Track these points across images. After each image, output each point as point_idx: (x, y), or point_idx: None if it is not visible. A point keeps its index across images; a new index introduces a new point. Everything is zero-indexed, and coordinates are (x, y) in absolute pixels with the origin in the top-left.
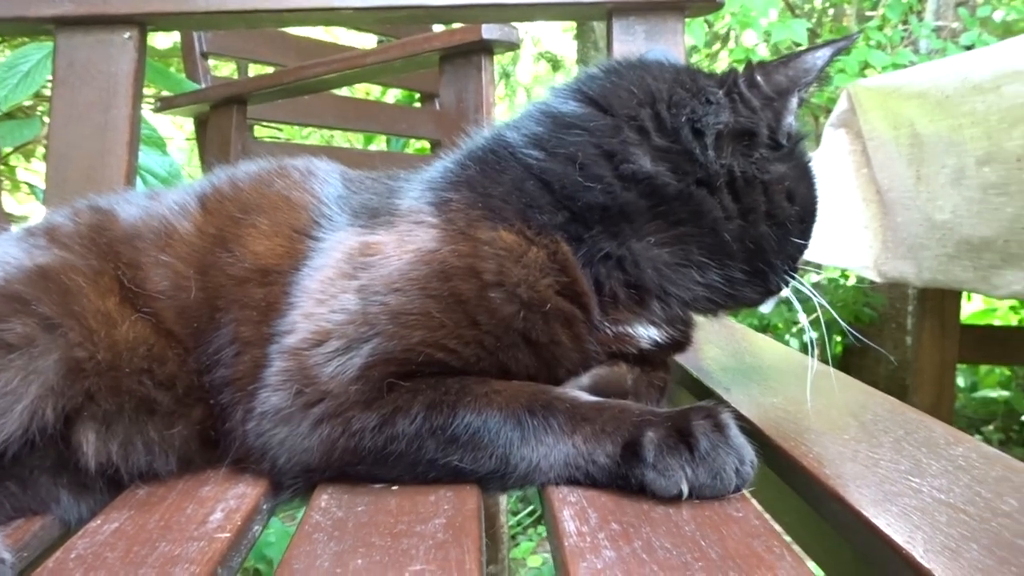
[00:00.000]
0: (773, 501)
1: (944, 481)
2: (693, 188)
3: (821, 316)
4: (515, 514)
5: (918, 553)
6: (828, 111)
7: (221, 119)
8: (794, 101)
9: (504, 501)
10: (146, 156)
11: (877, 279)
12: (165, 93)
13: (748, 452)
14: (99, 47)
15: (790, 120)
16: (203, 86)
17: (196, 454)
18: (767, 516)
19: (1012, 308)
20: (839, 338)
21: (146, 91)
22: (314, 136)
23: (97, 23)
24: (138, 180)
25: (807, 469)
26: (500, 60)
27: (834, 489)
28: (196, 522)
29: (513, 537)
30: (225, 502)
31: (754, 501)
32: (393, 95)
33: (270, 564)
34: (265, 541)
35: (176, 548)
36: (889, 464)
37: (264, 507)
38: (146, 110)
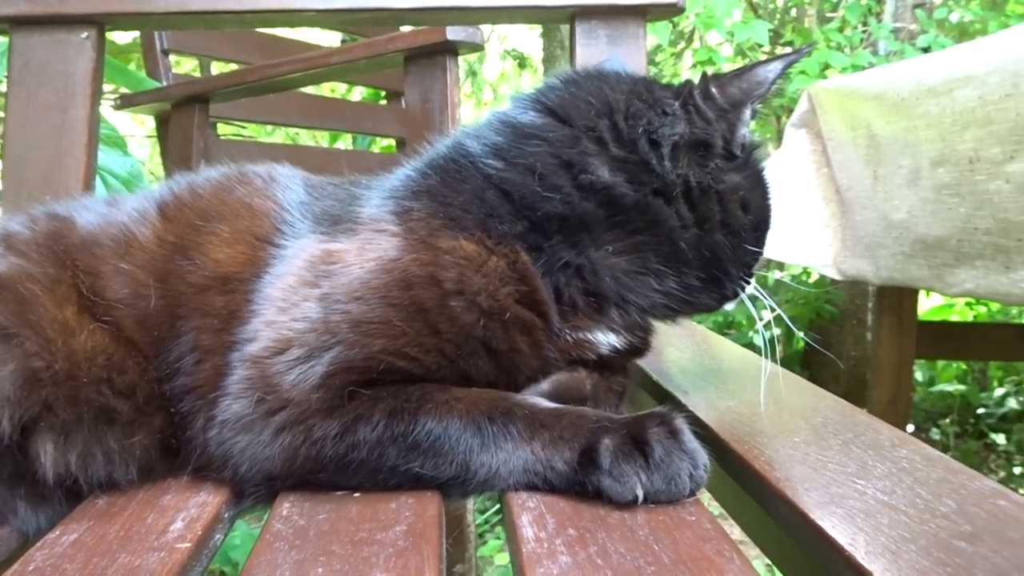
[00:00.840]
0: (732, 501)
1: (888, 483)
2: (650, 198)
3: (778, 314)
4: (483, 512)
5: (859, 555)
6: (790, 111)
7: (183, 117)
8: (747, 113)
9: (471, 501)
10: (106, 156)
11: (837, 277)
12: (125, 90)
13: (701, 456)
14: (56, 47)
15: (744, 131)
16: (164, 84)
17: (157, 463)
18: (720, 520)
19: (968, 304)
20: (802, 333)
21: (106, 88)
22: (279, 134)
23: (54, 23)
24: (98, 181)
25: (758, 472)
26: (467, 58)
27: (783, 492)
28: (156, 532)
29: (481, 535)
30: (186, 511)
31: (708, 501)
32: (359, 93)
33: (236, 567)
34: (231, 544)
35: (136, 559)
36: (837, 466)
37: (226, 515)
38: (106, 108)
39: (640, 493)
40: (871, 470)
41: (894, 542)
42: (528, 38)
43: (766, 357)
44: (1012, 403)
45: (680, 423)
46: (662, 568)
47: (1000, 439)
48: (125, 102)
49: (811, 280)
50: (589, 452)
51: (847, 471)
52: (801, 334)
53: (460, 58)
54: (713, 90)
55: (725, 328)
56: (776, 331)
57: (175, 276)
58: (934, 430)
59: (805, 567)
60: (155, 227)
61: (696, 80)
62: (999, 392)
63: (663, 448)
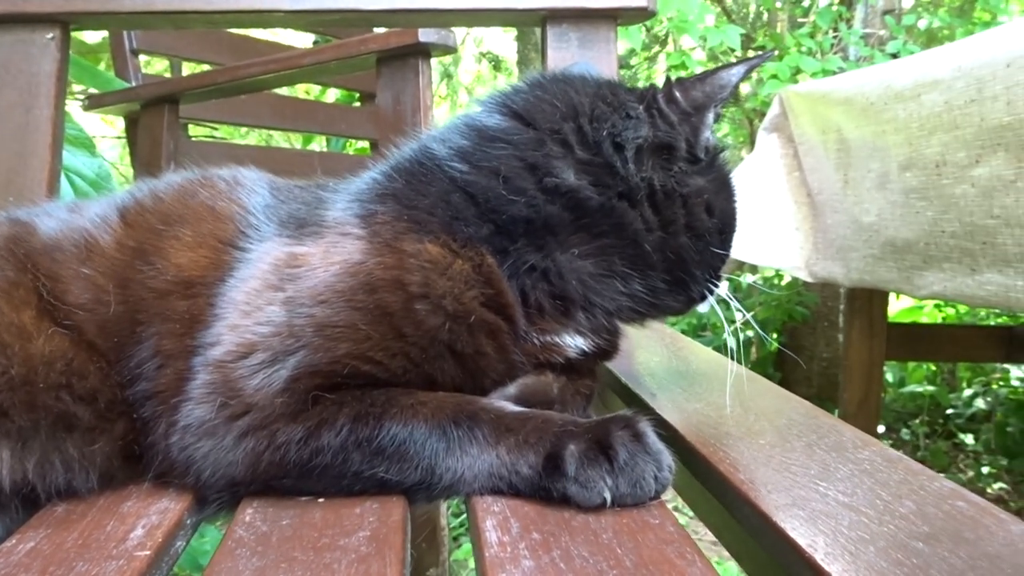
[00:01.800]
0: (701, 503)
1: (849, 485)
2: (615, 201)
3: (751, 317)
4: (457, 516)
5: (819, 556)
6: (762, 115)
7: (152, 119)
8: (711, 116)
9: (445, 504)
10: (73, 157)
11: (808, 279)
12: (94, 91)
13: (666, 458)
14: (19, 47)
15: (707, 134)
16: (133, 84)
17: (118, 470)
18: (691, 521)
19: (937, 306)
20: (774, 335)
21: (74, 88)
22: (252, 136)
23: (17, 22)
24: (65, 183)
25: (723, 474)
26: (441, 60)
27: (746, 494)
28: (116, 540)
29: (455, 539)
30: (147, 518)
31: (674, 504)
32: (333, 95)
33: None
34: (201, 550)
35: (94, 567)
36: (799, 468)
37: (188, 522)
38: (74, 108)
39: (608, 497)
40: (833, 472)
41: (853, 543)
42: (503, 41)
43: (735, 361)
44: (980, 403)
45: (644, 426)
46: (624, 572)
47: (969, 439)
48: (93, 102)
49: (783, 283)
50: (554, 458)
51: (810, 473)
52: (769, 338)
53: (435, 60)
54: (676, 93)
55: (699, 331)
56: (748, 333)
57: (136, 281)
58: (904, 430)
59: (771, 569)
60: (116, 232)
61: (660, 84)
62: (968, 393)
63: (627, 451)
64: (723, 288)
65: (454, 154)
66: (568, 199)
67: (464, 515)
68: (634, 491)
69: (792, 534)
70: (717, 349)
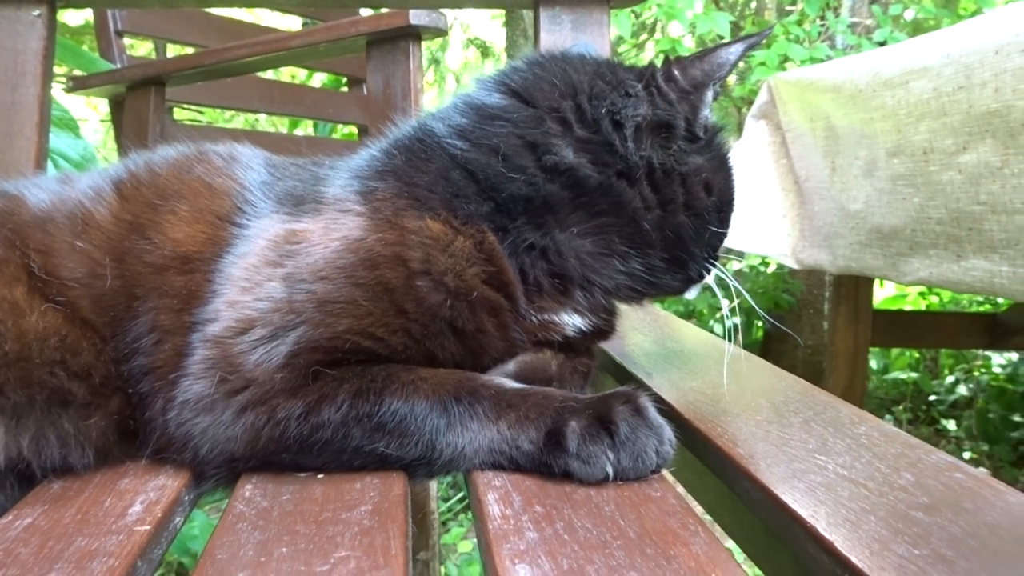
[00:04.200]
0: (693, 482)
1: (848, 458)
2: (614, 179)
3: (738, 304)
4: (446, 500)
5: (821, 526)
6: (750, 103)
7: (138, 101)
8: (709, 94)
9: (434, 488)
10: (58, 139)
11: (795, 266)
12: (78, 72)
13: (667, 432)
14: (5, 24)
15: (706, 113)
16: (118, 66)
17: (114, 446)
18: (684, 496)
19: (921, 294)
20: (760, 323)
21: (57, 70)
22: (237, 120)
23: (3, 0)
24: (49, 165)
25: (721, 449)
26: (429, 46)
27: (746, 468)
28: (115, 515)
29: (444, 523)
30: (145, 494)
31: (672, 480)
32: (319, 79)
33: (195, 558)
34: (190, 535)
35: (94, 542)
36: (798, 443)
37: (186, 498)
38: (58, 91)
39: (610, 471)
40: (831, 446)
41: (854, 514)
42: (491, 27)
43: (732, 340)
44: (962, 390)
45: (644, 401)
46: (628, 542)
47: (951, 425)
48: (78, 84)
49: (769, 270)
50: (555, 434)
51: (808, 447)
52: (765, 316)
53: (423, 45)
54: (675, 72)
55: (686, 317)
56: (735, 320)
57: (131, 256)
58: (887, 417)
59: (764, 543)
60: (111, 206)
61: (659, 62)
62: (950, 380)
63: (629, 426)
64: (718, 271)
65: (453, 132)
66: (567, 177)
67: (452, 500)
68: (636, 465)
69: (793, 506)
70: (710, 333)
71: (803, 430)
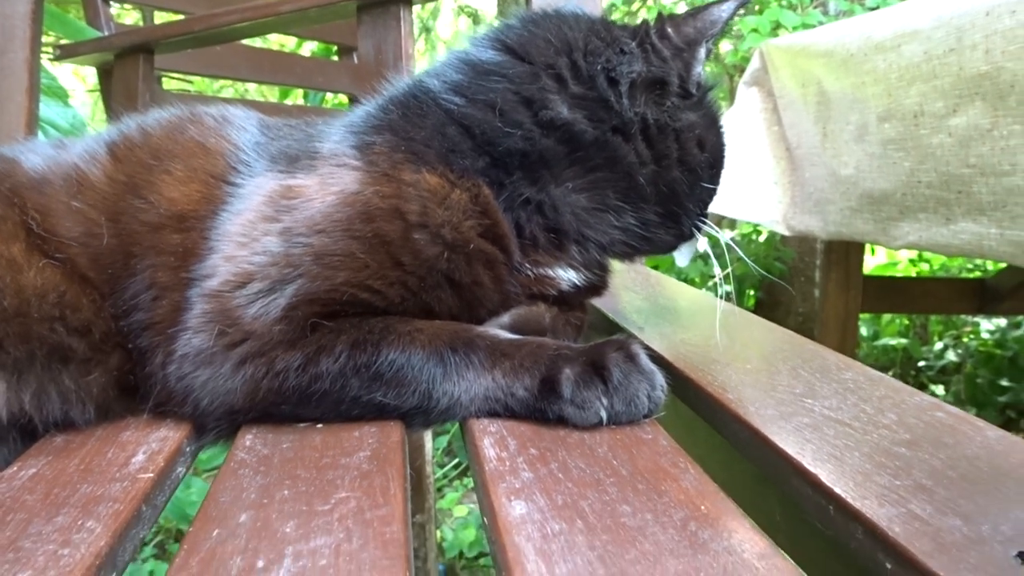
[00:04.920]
0: (683, 437)
1: (834, 401)
2: (609, 135)
3: (732, 271)
4: (441, 467)
5: (807, 461)
6: (742, 70)
7: (126, 69)
8: (702, 51)
9: (430, 452)
10: (47, 107)
11: (786, 233)
12: (64, 42)
13: (658, 378)
14: None
15: (699, 70)
16: (105, 34)
17: (115, 402)
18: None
19: (911, 261)
20: (752, 292)
21: (44, 39)
22: (227, 90)
23: None
24: (39, 133)
25: (712, 395)
26: (420, 14)
27: (735, 411)
28: (118, 465)
29: (439, 489)
30: (147, 445)
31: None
32: (309, 48)
33: None
34: (188, 501)
35: (98, 489)
36: (786, 388)
37: (187, 449)
38: (45, 60)
39: (604, 415)
40: (818, 390)
41: (839, 450)
42: None
43: (722, 299)
44: (951, 356)
45: (637, 348)
46: (621, 480)
47: (939, 390)
48: (66, 52)
49: (761, 238)
50: (550, 381)
51: (795, 392)
52: (758, 270)
53: (414, 13)
54: (669, 29)
55: None
56: (728, 288)
57: (128, 215)
58: None
59: (754, 491)
60: (106, 167)
61: (652, 20)
62: (939, 345)
63: (621, 372)
64: (711, 230)
65: (449, 88)
66: (563, 133)
67: (447, 467)
68: (628, 409)
69: (781, 444)
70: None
71: (791, 376)
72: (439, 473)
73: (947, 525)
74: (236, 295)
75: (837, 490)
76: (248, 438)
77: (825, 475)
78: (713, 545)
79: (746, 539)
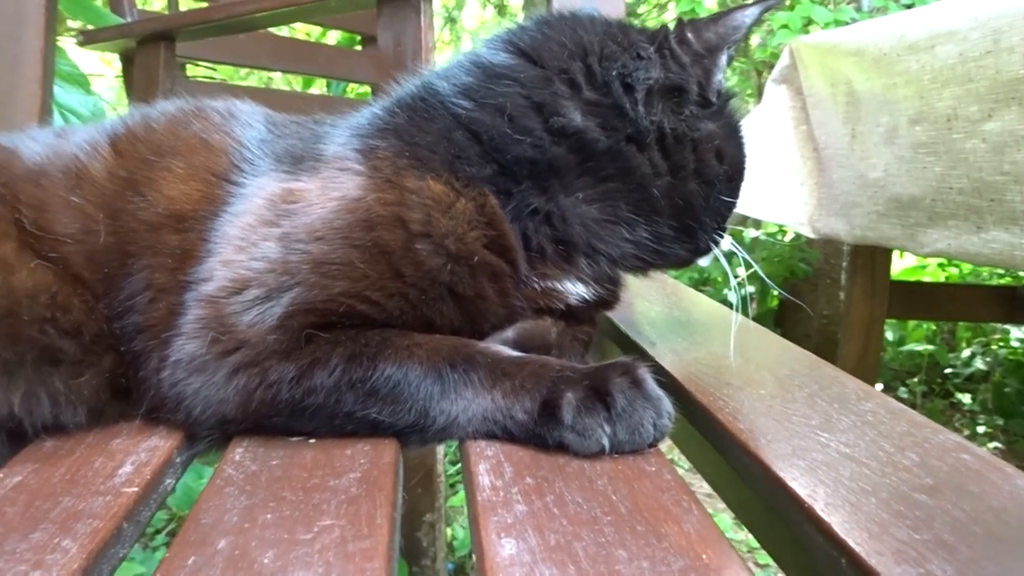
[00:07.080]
0: (697, 454)
1: (851, 436)
2: (623, 144)
3: (755, 271)
4: (454, 464)
5: (819, 506)
6: (771, 67)
7: (148, 56)
8: (723, 58)
9: (441, 451)
10: (67, 94)
11: (811, 235)
12: (90, 27)
13: (665, 405)
14: None
15: (719, 77)
16: (128, 20)
17: (107, 405)
18: (688, 473)
19: (940, 266)
20: (776, 286)
21: (70, 24)
22: (252, 78)
23: None
24: (59, 121)
25: (721, 423)
26: (445, 4)
27: (745, 443)
28: (104, 476)
29: (452, 486)
30: (136, 455)
31: (674, 449)
32: (334, 37)
33: None
34: (199, 490)
35: (80, 503)
36: (800, 419)
37: (177, 460)
38: (69, 45)
39: (606, 444)
40: (835, 423)
41: (854, 494)
42: None
43: (741, 311)
44: (979, 363)
45: (643, 372)
46: (619, 518)
47: (966, 399)
48: (88, 38)
49: (786, 239)
50: (550, 405)
51: (811, 423)
52: (776, 289)
53: (439, 4)
54: (688, 35)
55: (700, 285)
56: (750, 289)
57: (127, 212)
58: (902, 389)
59: (766, 518)
60: (106, 161)
61: (672, 25)
62: (966, 353)
63: (625, 398)
64: (727, 241)
65: (458, 91)
66: (574, 141)
67: (460, 464)
68: (632, 438)
69: (792, 484)
70: (719, 303)
71: (807, 405)
72: (452, 470)
73: None
74: (231, 301)
75: (850, 542)
76: (238, 452)
77: (838, 523)
78: None
79: None
